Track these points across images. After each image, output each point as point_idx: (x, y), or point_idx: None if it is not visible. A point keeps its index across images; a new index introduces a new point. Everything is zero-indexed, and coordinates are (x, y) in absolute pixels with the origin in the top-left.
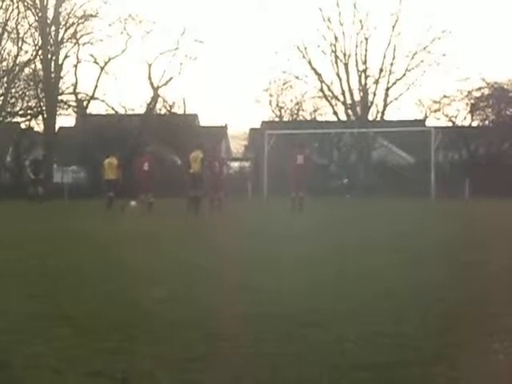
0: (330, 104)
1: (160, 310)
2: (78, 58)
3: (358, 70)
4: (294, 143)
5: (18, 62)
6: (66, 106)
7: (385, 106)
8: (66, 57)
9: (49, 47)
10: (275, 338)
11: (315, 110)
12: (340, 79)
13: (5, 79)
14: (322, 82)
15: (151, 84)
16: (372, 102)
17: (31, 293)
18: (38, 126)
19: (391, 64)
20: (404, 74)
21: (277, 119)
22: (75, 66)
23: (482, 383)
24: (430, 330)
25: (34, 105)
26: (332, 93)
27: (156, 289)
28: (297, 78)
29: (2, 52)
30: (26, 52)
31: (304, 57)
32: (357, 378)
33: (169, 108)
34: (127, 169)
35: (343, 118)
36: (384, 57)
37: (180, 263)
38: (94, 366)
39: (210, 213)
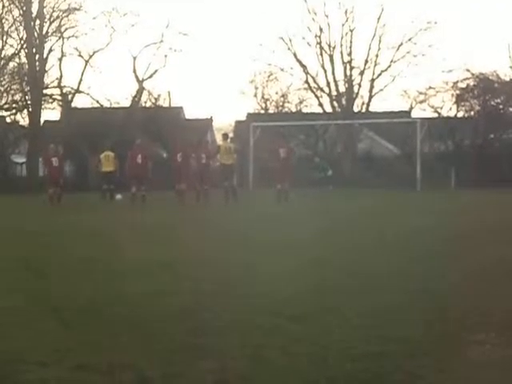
0: (316, 96)
1: (146, 303)
2: (62, 51)
3: (343, 62)
4: (276, 137)
5: (2, 55)
6: (51, 100)
7: (370, 97)
8: (51, 50)
9: (33, 41)
10: (261, 332)
11: (301, 102)
12: (325, 71)
13: None
14: (307, 73)
15: (136, 77)
16: (357, 94)
17: (15, 286)
18: (23, 119)
19: (376, 55)
20: (389, 66)
21: (262, 111)
22: (60, 59)
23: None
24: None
25: (18, 98)
26: (317, 84)
27: (143, 282)
28: (282, 70)
29: None
30: (11, 46)
31: (289, 49)
32: (343, 370)
33: (154, 101)
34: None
35: (329, 109)
36: (369, 48)
37: (167, 257)
38: (80, 360)
39: (196, 205)
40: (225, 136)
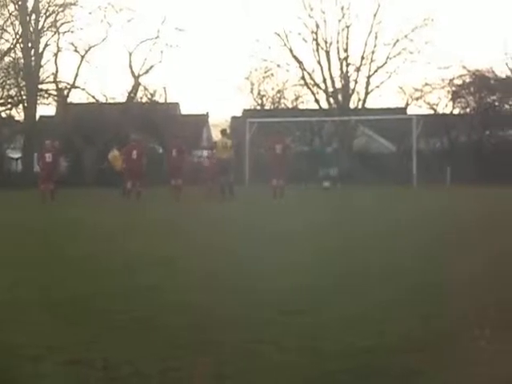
0: (312, 92)
1: (144, 297)
2: (58, 46)
3: (339, 58)
4: (272, 133)
5: None
6: (46, 95)
7: (366, 93)
8: (47, 45)
9: (29, 36)
10: (254, 325)
11: (297, 98)
12: (321, 67)
13: None
14: (303, 69)
15: (132, 72)
16: (353, 90)
17: (19, 279)
18: (18, 114)
19: (372, 52)
20: (385, 62)
21: (258, 107)
22: (55, 54)
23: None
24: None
25: (14, 94)
26: (313, 81)
27: (142, 277)
28: (278, 66)
29: None
30: (7, 41)
31: (285, 45)
32: (341, 365)
33: (150, 96)
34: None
35: (325, 106)
36: (365, 45)
37: (160, 254)
38: (75, 354)
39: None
40: (223, 132)
